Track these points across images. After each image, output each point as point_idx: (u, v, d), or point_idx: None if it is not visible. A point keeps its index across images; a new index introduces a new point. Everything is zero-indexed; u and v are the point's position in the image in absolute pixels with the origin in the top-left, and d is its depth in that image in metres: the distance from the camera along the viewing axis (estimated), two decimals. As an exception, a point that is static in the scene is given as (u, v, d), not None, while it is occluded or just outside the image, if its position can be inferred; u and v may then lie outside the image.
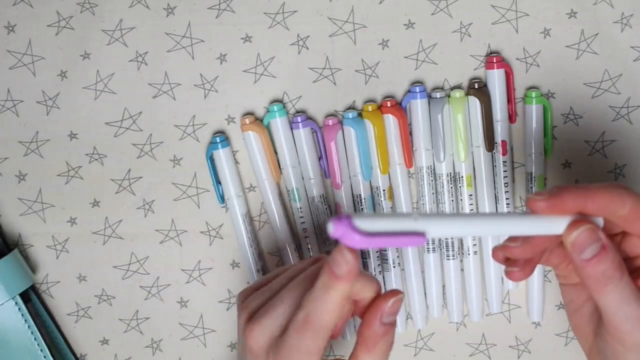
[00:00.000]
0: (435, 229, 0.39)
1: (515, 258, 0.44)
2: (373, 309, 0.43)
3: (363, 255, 0.57)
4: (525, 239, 0.43)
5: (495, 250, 0.45)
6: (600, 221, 0.42)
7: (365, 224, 0.37)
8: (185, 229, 0.59)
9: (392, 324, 0.43)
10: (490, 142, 0.55)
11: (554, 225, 0.41)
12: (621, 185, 0.42)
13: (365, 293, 0.43)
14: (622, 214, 0.41)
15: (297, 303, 0.42)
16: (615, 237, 0.44)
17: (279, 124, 0.56)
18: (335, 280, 0.40)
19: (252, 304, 0.45)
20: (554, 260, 0.46)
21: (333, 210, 0.58)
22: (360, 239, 0.36)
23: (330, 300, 0.40)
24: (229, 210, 0.58)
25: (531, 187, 0.56)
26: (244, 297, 0.46)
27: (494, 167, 0.56)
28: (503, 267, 0.58)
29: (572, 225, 0.41)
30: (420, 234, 0.38)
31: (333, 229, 0.36)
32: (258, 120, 0.57)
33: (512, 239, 0.43)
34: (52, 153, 0.58)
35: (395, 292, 0.43)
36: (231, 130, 0.58)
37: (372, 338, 0.42)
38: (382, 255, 0.57)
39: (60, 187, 0.59)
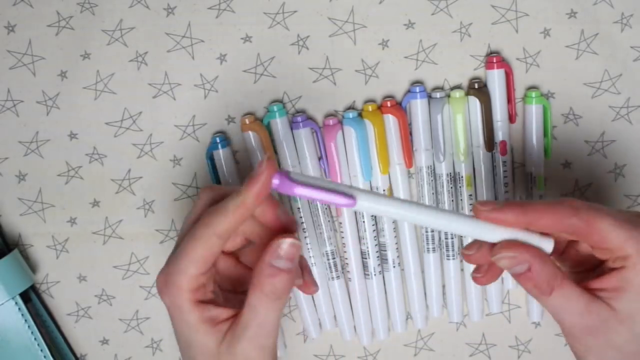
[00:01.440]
0: (365, 200, 0.41)
1: (476, 264, 0.46)
2: (266, 247, 0.43)
3: (363, 255, 0.57)
4: (479, 247, 0.44)
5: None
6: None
7: (300, 177, 0.42)
8: (185, 229, 0.59)
9: (284, 270, 0.43)
10: (490, 142, 0.55)
11: (489, 233, 0.43)
12: (570, 203, 0.43)
13: (267, 215, 0.45)
14: (567, 233, 0.43)
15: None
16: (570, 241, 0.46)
17: (279, 124, 0.56)
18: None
19: None
20: None
21: (333, 210, 0.58)
22: (297, 187, 0.41)
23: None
24: (229, 210, 0.57)
25: (531, 187, 0.56)
26: None
27: (494, 167, 0.56)
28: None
29: (500, 246, 0.43)
30: (350, 197, 0.41)
31: (275, 180, 0.41)
32: (258, 120, 0.57)
33: (467, 247, 0.45)
34: (52, 153, 0.58)
35: (289, 235, 0.43)
36: (231, 130, 0.58)
37: (258, 275, 0.43)
38: (382, 256, 0.57)
39: (60, 187, 0.59)
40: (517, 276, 0.43)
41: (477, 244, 0.44)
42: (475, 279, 0.47)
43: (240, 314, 0.44)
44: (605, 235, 0.42)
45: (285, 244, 0.42)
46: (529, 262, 0.42)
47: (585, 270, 0.46)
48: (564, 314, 0.43)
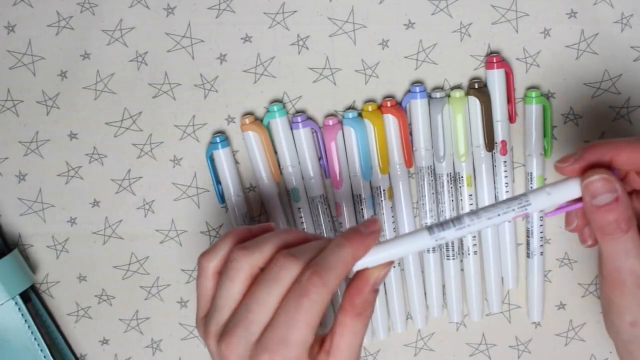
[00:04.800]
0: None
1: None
2: (364, 277, 0.42)
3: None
4: (574, 160, 0.43)
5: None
6: None
7: None
8: (185, 229, 0.59)
9: (377, 290, 0.43)
10: (490, 142, 0.55)
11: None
12: None
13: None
14: None
15: (266, 303, 0.41)
16: (633, 192, 0.46)
17: (279, 124, 0.56)
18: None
19: (214, 326, 0.43)
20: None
21: (333, 210, 0.58)
22: None
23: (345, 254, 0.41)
24: (229, 210, 0.58)
25: (531, 187, 0.56)
26: (202, 325, 0.44)
27: (494, 167, 0.56)
28: (503, 266, 0.58)
29: (591, 170, 0.42)
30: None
31: None
32: (258, 120, 0.57)
33: (561, 160, 0.44)
34: (52, 153, 0.58)
35: (383, 267, 0.43)
36: (231, 130, 0.58)
37: (361, 304, 0.42)
38: (382, 255, 0.57)
39: (60, 187, 0.59)
40: (597, 209, 0.41)
41: (572, 156, 0.43)
42: (584, 244, 0.46)
43: (332, 339, 0.43)
44: None
45: (381, 277, 0.42)
46: (618, 191, 0.41)
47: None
48: (628, 258, 0.42)
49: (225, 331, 0.42)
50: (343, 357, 0.43)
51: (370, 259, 0.42)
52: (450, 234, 0.43)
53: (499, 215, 0.43)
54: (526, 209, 0.43)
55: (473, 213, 0.43)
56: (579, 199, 0.43)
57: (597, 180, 0.42)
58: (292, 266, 0.41)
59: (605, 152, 0.43)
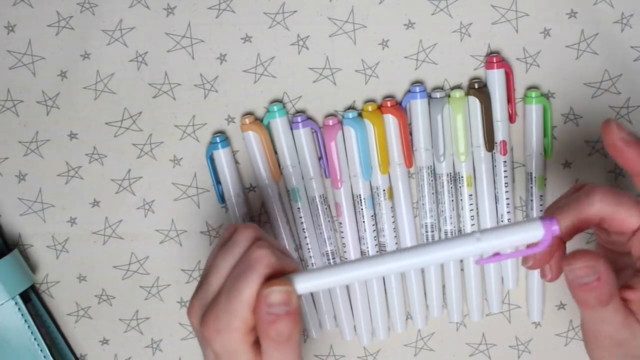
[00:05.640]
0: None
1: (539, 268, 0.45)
2: (260, 294, 0.40)
3: (363, 255, 0.57)
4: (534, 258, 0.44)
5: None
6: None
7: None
8: (185, 229, 0.59)
9: (283, 315, 0.40)
10: (490, 142, 0.55)
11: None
12: None
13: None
14: None
15: (219, 268, 0.43)
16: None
17: (279, 124, 0.56)
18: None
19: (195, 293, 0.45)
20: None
21: (333, 210, 0.58)
22: None
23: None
24: (229, 210, 0.58)
25: (531, 187, 0.56)
26: None
27: (494, 167, 0.56)
28: (503, 266, 0.58)
29: (574, 256, 0.40)
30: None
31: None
32: (258, 120, 0.57)
33: (524, 260, 0.44)
34: (52, 153, 0.58)
35: (280, 282, 0.40)
36: (231, 130, 0.58)
37: (259, 323, 0.41)
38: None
39: (60, 187, 0.59)
40: (579, 286, 0.40)
41: (532, 257, 0.43)
42: (544, 279, 0.46)
43: None
44: None
45: (273, 294, 0.40)
46: (600, 271, 0.40)
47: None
48: (607, 325, 0.41)
49: (192, 296, 0.44)
50: None
51: (314, 283, 0.41)
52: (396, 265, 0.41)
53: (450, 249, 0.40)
54: (480, 243, 0.40)
55: (425, 244, 0.41)
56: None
57: (580, 267, 0.40)
58: (248, 234, 0.43)
59: None
